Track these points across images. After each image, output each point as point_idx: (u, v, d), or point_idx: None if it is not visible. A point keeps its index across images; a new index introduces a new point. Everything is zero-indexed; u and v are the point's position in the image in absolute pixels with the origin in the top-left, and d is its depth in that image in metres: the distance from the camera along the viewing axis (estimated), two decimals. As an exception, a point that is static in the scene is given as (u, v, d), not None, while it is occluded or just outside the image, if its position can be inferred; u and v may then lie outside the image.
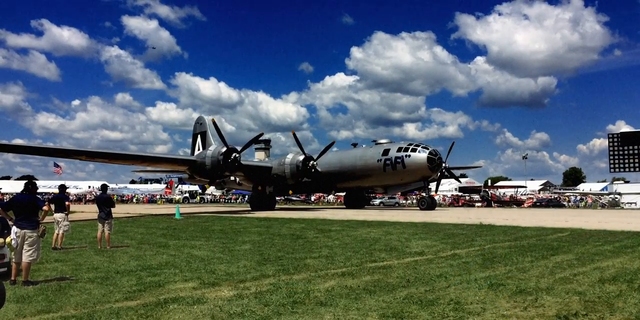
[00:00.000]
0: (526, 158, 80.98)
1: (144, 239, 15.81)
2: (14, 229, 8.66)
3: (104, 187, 15.18)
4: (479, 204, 56.84)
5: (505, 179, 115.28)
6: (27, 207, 8.65)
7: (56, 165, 77.86)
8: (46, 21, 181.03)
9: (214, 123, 34.93)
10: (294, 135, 39.70)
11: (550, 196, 64.56)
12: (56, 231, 13.56)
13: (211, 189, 78.28)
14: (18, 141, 55.25)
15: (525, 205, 55.29)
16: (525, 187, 76.57)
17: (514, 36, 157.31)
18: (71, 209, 15.48)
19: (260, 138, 41.11)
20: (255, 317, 5.86)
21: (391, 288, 7.42)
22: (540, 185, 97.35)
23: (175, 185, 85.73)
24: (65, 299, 6.87)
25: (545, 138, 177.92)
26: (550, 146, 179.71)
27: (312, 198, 71.67)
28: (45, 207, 8.87)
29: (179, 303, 6.56)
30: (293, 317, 5.81)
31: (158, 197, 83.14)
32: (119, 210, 15.32)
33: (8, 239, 8.60)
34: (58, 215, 13.72)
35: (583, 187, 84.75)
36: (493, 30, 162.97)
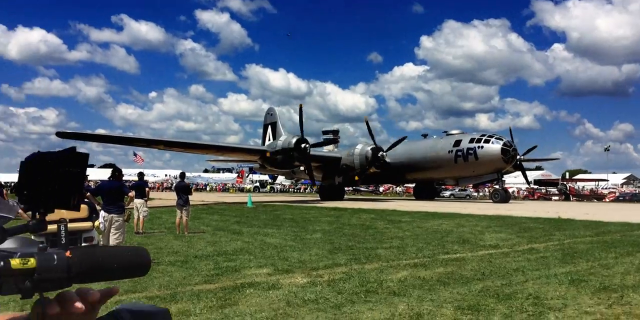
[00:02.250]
0: (608, 150, 76.87)
1: (218, 225, 16.35)
2: (102, 213, 9.20)
3: (182, 175, 15.81)
4: (556, 198, 54.51)
5: (585, 172, 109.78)
6: (114, 193, 9.17)
7: (135, 154, 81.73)
8: (125, 16, 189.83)
9: (300, 108, 35.60)
10: (367, 122, 39.56)
11: (635, 190, 60.83)
12: (136, 216, 14.27)
13: (281, 179, 79.65)
14: (101, 131, 58.38)
15: (607, 199, 52.44)
16: (607, 180, 72.62)
17: (596, 22, 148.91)
18: (150, 196, 16.24)
19: (329, 129, 41.27)
20: (329, 304, 5.93)
21: (466, 280, 7.29)
22: (624, 178, 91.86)
23: (246, 174, 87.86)
24: (149, 281, 7.23)
25: (630, 129, 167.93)
26: (635, 137, 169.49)
27: (381, 189, 71.33)
28: (130, 193, 9.37)
29: (255, 288, 6.75)
30: (367, 306, 5.83)
31: (230, 185, 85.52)
32: (194, 198, 15.92)
33: (97, 223, 9.15)
34: (138, 201, 14.42)
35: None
36: (573, 16, 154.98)
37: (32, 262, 0.63)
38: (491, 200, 38.48)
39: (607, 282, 7.03)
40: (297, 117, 35.00)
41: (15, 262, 0.62)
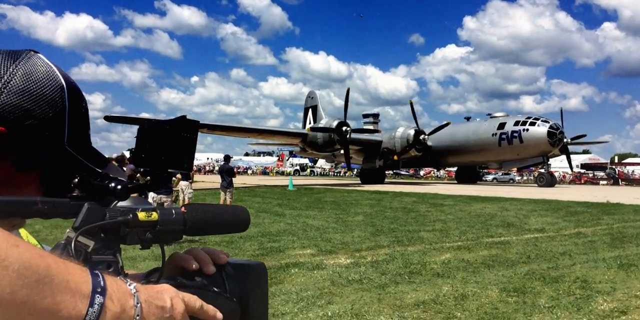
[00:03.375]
0: (661, 133, 73.59)
1: (261, 207, 16.61)
2: (151, 194, 9.50)
3: (227, 158, 16.09)
4: (604, 182, 52.91)
5: (635, 155, 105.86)
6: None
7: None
8: (168, 1, 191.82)
9: (347, 92, 35.92)
10: (411, 104, 39.19)
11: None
12: (181, 197, 14.66)
13: (321, 162, 79.94)
14: (144, 115, 59.78)
15: (658, 184, 50.58)
16: (658, 164, 69.89)
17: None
18: (194, 179, 16.62)
19: (370, 112, 41.15)
20: (373, 284, 6.00)
21: (511, 263, 7.24)
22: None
23: (287, 158, 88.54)
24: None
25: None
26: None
27: (422, 173, 70.75)
28: (177, 175, 9.63)
29: (300, 268, 6.88)
30: (411, 287, 5.88)
31: (271, 169, 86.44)
32: (236, 181, 16.21)
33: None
34: (183, 183, 14.78)
35: None
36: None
37: (155, 215, 0.71)
38: (536, 185, 37.64)
39: (659, 267, 6.85)
40: (337, 101, 35.29)
41: (141, 215, 0.70)
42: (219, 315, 0.71)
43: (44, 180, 0.80)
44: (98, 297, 0.57)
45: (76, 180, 0.74)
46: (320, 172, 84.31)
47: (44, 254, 0.55)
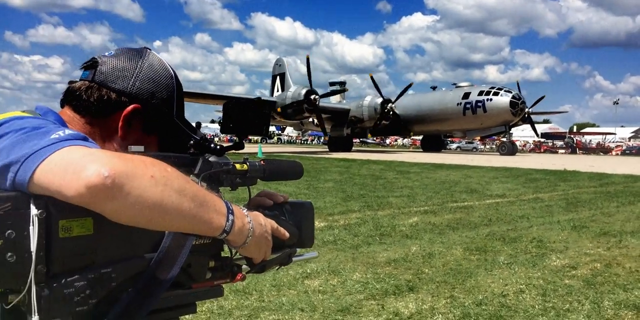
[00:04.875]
0: (617, 103, 76.30)
1: (232, 174, 16.82)
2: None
3: (198, 125, 16.19)
4: (563, 151, 54.84)
5: (593, 125, 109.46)
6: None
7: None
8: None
9: (307, 60, 35.98)
10: (372, 78, 39.49)
11: (642, 144, 60.99)
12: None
13: (288, 130, 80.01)
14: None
15: (613, 153, 52.74)
16: (615, 134, 72.59)
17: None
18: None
19: (336, 80, 41.35)
20: (346, 245, 6.41)
21: (473, 226, 7.76)
22: (632, 132, 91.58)
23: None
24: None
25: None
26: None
27: (388, 141, 71.73)
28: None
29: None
30: (382, 247, 6.31)
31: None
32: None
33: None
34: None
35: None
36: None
37: (245, 166, 1.03)
38: (498, 153, 38.87)
39: (607, 228, 7.48)
40: (304, 68, 35.07)
41: (237, 166, 1.02)
42: (287, 233, 1.07)
43: (160, 142, 1.11)
44: (230, 215, 0.91)
45: (191, 142, 1.03)
46: (288, 140, 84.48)
47: (201, 188, 0.87)
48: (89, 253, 0.84)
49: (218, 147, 1.04)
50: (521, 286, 4.71)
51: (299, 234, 1.11)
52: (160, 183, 0.80)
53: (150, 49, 1.12)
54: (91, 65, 1.07)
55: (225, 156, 1.08)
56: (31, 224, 0.77)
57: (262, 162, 1.10)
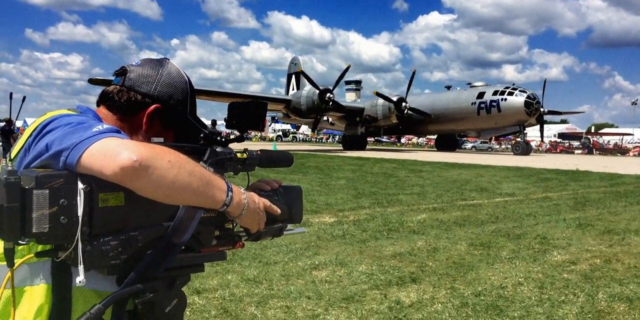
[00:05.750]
0: (636, 104, 75.14)
1: (246, 172, 17.11)
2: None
3: (213, 123, 16.47)
4: (579, 152, 54.39)
5: (612, 126, 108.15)
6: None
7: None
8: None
9: (347, 68, 36.92)
10: (414, 73, 40.22)
11: (660, 145, 60.17)
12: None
13: (303, 129, 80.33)
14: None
15: (631, 154, 52.19)
16: (632, 135, 71.67)
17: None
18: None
19: (352, 79, 41.51)
20: (355, 239, 6.63)
21: (480, 223, 7.94)
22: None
23: (269, 123, 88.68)
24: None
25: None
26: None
27: (402, 140, 71.67)
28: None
29: (288, 225, 7.47)
30: (389, 242, 6.52)
31: (252, 134, 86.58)
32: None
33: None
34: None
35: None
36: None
37: (245, 155, 1.27)
38: (512, 153, 38.74)
39: (612, 227, 7.61)
40: (319, 67, 35.81)
41: (238, 155, 1.26)
42: (278, 210, 1.30)
43: (176, 134, 1.35)
44: (229, 192, 1.14)
45: (202, 135, 1.27)
46: (303, 138, 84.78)
47: (207, 171, 1.11)
48: (121, 219, 1.08)
49: (223, 139, 1.28)
50: (520, 279, 4.90)
51: (289, 211, 1.34)
52: (176, 166, 1.04)
53: (169, 59, 1.37)
54: (121, 72, 1.34)
55: (229, 147, 1.32)
56: (78, 195, 1.02)
57: (259, 152, 1.34)
